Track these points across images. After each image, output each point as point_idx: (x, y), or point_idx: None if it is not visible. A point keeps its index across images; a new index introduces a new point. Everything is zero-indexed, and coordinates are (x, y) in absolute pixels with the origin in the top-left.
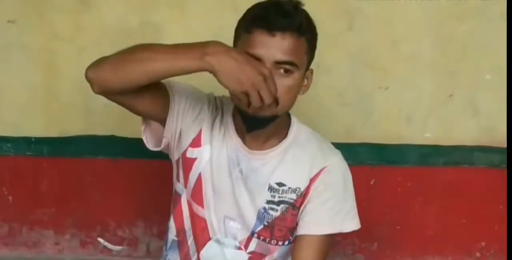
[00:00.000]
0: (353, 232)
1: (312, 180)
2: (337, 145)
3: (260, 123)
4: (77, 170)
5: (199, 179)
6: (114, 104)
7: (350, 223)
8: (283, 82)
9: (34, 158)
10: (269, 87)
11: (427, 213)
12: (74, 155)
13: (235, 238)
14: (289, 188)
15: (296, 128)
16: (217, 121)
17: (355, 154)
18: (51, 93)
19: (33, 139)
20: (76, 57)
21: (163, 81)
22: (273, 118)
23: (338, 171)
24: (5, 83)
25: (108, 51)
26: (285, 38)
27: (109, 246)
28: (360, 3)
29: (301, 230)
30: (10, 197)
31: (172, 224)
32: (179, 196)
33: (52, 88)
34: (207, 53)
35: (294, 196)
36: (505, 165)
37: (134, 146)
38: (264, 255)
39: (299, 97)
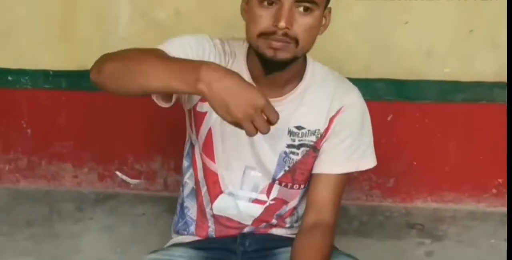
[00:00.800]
0: (369, 169)
1: (331, 121)
2: (355, 81)
3: (279, 65)
4: (96, 104)
5: (209, 134)
6: (132, 39)
7: (366, 161)
8: (303, 21)
9: (52, 91)
10: (263, 119)
11: (444, 150)
12: (92, 89)
13: (256, 188)
14: (308, 130)
15: (312, 68)
16: (229, 67)
17: (373, 90)
18: (69, 26)
19: (51, 72)
20: None
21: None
22: (293, 59)
23: (356, 110)
24: (23, 15)
25: None
26: None
27: (127, 179)
28: None
29: (317, 169)
30: (28, 130)
31: (190, 170)
32: (193, 146)
33: (70, 21)
34: (200, 79)
35: (314, 138)
36: None
37: None
38: (286, 202)
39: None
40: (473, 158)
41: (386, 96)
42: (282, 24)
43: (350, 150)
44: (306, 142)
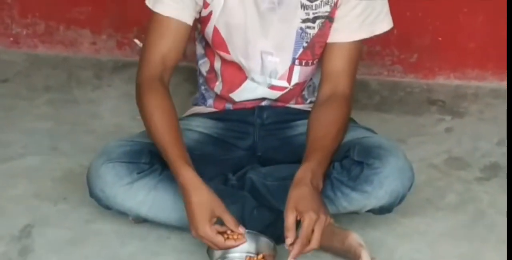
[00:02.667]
0: (388, 32)
1: None
2: None
3: None
4: None
5: (215, 31)
6: None
7: (381, 24)
8: None
9: None
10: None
11: (471, 25)
12: None
13: (274, 74)
14: (321, 1)
15: None
16: None
17: None
18: None
19: None
20: None
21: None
22: None
23: None
24: None
25: None
26: None
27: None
28: None
29: (331, 38)
30: None
31: (204, 58)
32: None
33: None
34: (182, 189)
35: (328, 8)
36: None
37: None
38: (303, 83)
39: None
40: (500, 35)
41: None
42: None
43: (362, 16)
44: (320, 14)
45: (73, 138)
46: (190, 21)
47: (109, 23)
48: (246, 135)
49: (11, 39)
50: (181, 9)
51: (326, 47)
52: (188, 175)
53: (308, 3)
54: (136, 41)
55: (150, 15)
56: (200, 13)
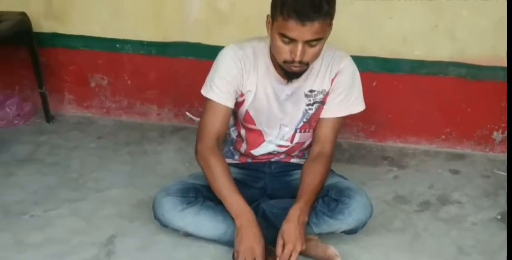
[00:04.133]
0: (361, 113)
1: (332, 81)
2: (353, 57)
3: (296, 75)
4: (174, 65)
5: (247, 113)
6: (202, 19)
7: (357, 106)
8: (312, 50)
9: (145, 56)
10: None
11: (411, 107)
12: (172, 55)
13: (283, 138)
14: (318, 92)
15: None
16: (253, 70)
17: (365, 64)
18: (159, 11)
19: (145, 42)
20: None
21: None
22: (307, 68)
23: (349, 71)
24: (128, 2)
25: None
26: (313, 25)
27: (193, 117)
28: None
29: (323, 115)
30: (129, 81)
31: (233, 127)
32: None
33: (160, 6)
34: (236, 222)
35: (322, 96)
36: (470, 77)
37: (213, 51)
38: (303, 142)
39: None
40: (430, 114)
41: (374, 69)
42: (297, 58)
43: (345, 100)
44: (317, 100)
45: (144, 178)
46: (232, 106)
47: (169, 101)
48: (260, 179)
49: (105, 110)
50: (227, 97)
51: (318, 120)
52: (250, 216)
53: (309, 93)
54: (187, 113)
55: (200, 98)
56: (237, 99)
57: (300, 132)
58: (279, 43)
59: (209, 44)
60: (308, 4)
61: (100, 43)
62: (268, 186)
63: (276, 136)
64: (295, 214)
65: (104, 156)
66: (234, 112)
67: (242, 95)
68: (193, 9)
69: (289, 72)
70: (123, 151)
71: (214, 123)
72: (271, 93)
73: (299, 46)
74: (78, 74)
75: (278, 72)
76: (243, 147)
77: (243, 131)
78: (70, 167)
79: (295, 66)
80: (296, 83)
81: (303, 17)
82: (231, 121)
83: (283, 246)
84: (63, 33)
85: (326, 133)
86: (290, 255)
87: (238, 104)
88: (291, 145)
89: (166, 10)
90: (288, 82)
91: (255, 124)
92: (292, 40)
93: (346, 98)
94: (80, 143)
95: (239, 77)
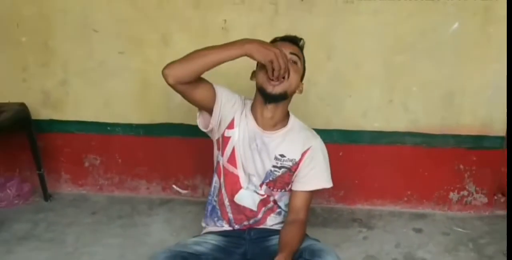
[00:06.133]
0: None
1: (303, 155)
2: (320, 130)
3: (275, 97)
4: (162, 144)
5: (233, 151)
6: (185, 103)
7: (326, 182)
8: (293, 67)
9: (134, 136)
10: (284, 58)
11: (374, 173)
12: (159, 135)
13: (255, 186)
14: (288, 158)
15: (293, 120)
16: (243, 111)
17: (330, 136)
18: (145, 97)
19: (134, 125)
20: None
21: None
22: (283, 95)
23: (319, 149)
24: (117, 90)
25: None
26: (293, 45)
27: (179, 190)
28: (336, 40)
29: (295, 187)
30: (120, 160)
31: (216, 178)
32: (218, 162)
33: (145, 93)
34: (245, 44)
35: (290, 164)
36: (425, 144)
37: (195, 130)
38: (270, 196)
39: (298, 98)
40: (393, 179)
41: (339, 140)
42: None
43: (315, 176)
44: (285, 165)
45: (134, 248)
46: (215, 96)
47: (158, 176)
48: (241, 246)
49: (98, 187)
50: (221, 91)
51: (292, 192)
52: (251, 39)
53: (279, 157)
54: (174, 186)
55: (185, 172)
56: (223, 133)
57: (267, 186)
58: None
59: (191, 123)
60: (292, 37)
61: (93, 127)
62: (248, 251)
63: (249, 183)
64: None
65: (97, 230)
66: (221, 152)
67: (232, 124)
68: (176, 94)
69: (268, 89)
70: (115, 225)
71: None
72: (247, 137)
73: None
74: (73, 155)
75: (256, 121)
76: (225, 196)
77: (222, 179)
78: (66, 242)
79: (275, 84)
80: (269, 138)
81: (285, 38)
82: (215, 177)
83: None
84: (59, 119)
85: (298, 203)
86: None
87: (225, 140)
88: (259, 195)
89: (152, 95)
90: (265, 104)
91: (236, 167)
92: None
93: (317, 174)
94: (75, 219)
95: (232, 102)
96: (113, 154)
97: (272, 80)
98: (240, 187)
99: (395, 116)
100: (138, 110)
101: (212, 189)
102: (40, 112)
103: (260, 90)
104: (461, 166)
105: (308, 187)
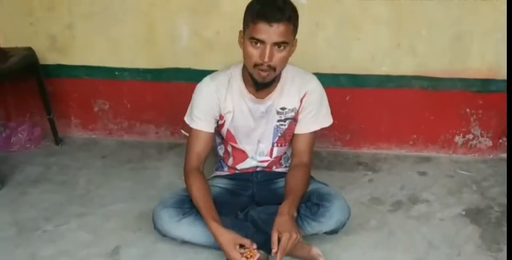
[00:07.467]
0: (330, 126)
1: (301, 101)
2: (326, 75)
3: (266, 85)
4: (169, 88)
5: (228, 132)
6: (191, 47)
7: (326, 121)
8: (279, 55)
9: (142, 81)
10: None
11: (381, 117)
12: (166, 80)
13: (262, 153)
14: (289, 109)
15: (285, 71)
16: (229, 94)
17: (337, 80)
18: (151, 41)
19: (141, 70)
20: (171, 17)
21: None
22: (274, 79)
23: (316, 91)
24: (123, 34)
25: None
26: (279, 26)
27: (187, 134)
28: None
29: (297, 130)
30: (128, 105)
31: (221, 146)
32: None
33: (152, 37)
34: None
35: (293, 113)
36: (431, 88)
37: (203, 74)
38: (280, 156)
39: (305, 43)
40: (398, 123)
41: (346, 85)
42: (266, 59)
43: (314, 117)
44: (289, 117)
45: (144, 192)
46: (213, 130)
47: (165, 121)
48: (248, 188)
49: (107, 131)
50: (206, 124)
51: (294, 136)
52: (215, 227)
53: (281, 110)
54: (182, 131)
55: None
56: (218, 122)
57: (277, 146)
58: (250, 48)
59: (198, 68)
60: (274, 8)
61: (101, 72)
62: (256, 194)
63: (255, 152)
64: (286, 209)
65: (108, 173)
66: (219, 132)
67: (222, 117)
68: (182, 38)
69: (258, 80)
70: (125, 168)
71: (196, 147)
72: (247, 112)
73: (268, 48)
74: (82, 100)
75: (251, 92)
76: (230, 161)
77: (229, 148)
78: (78, 185)
79: (264, 70)
80: (269, 101)
81: (269, 18)
82: (218, 140)
83: (279, 239)
84: (66, 64)
85: (301, 146)
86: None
87: (220, 126)
88: (270, 159)
89: (159, 40)
90: (259, 98)
91: (236, 143)
92: (261, 43)
93: (316, 115)
94: (86, 162)
95: (215, 106)
96: (121, 99)
97: (261, 70)
98: (246, 157)
99: (402, 60)
100: (145, 54)
101: (218, 152)
102: (47, 57)
103: (250, 75)
104: (467, 110)
105: (310, 128)
